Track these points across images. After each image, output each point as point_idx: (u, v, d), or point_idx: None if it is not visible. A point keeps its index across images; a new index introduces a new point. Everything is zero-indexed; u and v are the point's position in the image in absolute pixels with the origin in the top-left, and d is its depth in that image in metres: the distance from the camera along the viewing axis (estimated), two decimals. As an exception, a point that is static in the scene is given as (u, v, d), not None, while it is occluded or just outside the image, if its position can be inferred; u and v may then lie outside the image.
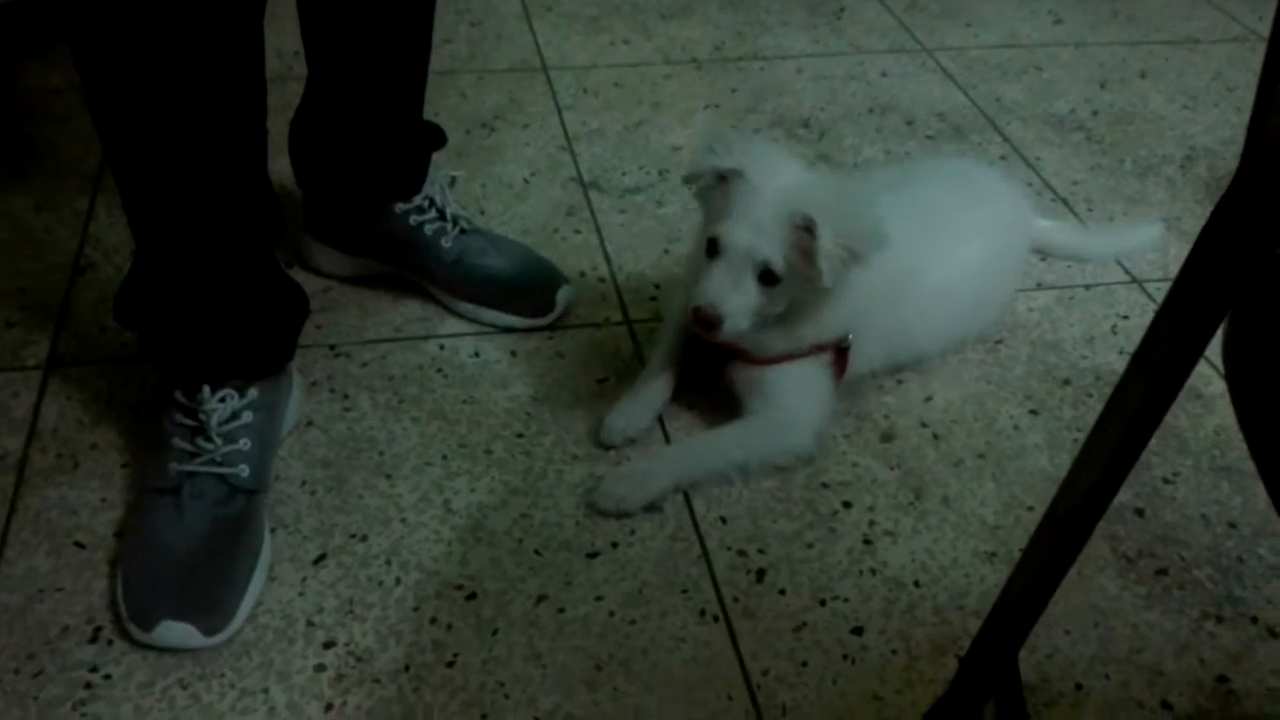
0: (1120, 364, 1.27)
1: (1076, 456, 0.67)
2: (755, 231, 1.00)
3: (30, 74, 1.66)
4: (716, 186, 1.04)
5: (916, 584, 1.01)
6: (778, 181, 1.02)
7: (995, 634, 0.79)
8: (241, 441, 0.99)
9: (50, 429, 1.11)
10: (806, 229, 0.98)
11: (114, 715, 0.87)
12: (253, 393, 1.02)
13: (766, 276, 1.01)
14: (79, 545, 1.00)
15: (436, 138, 1.27)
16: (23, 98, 1.61)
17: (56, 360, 1.19)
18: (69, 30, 0.86)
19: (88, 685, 0.89)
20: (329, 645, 0.93)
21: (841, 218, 0.99)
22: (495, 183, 1.51)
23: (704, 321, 1.01)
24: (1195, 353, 0.58)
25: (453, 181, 1.31)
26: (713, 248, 1.02)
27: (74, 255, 1.33)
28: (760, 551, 1.03)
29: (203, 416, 0.99)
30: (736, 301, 1.01)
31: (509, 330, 1.26)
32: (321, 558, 1.00)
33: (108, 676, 0.89)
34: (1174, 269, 1.41)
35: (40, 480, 1.05)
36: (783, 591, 1.00)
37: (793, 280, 1.02)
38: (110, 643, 0.92)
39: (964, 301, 1.22)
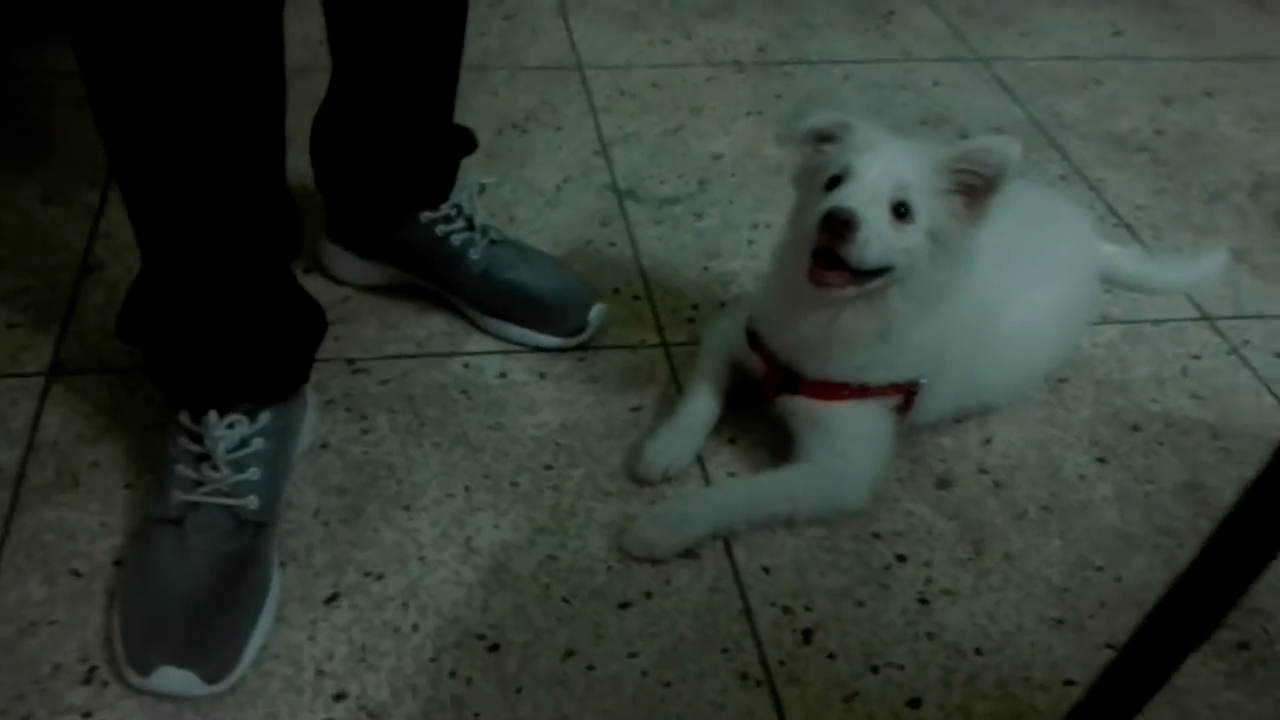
0: (1193, 409, 1.19)
1: (1192, 563, 0.58)
2: (890, 160, 0.92)
3: (43, 55, 1.59)
4: (816, 158, 0.97)
5: (978, 651, 0.93)
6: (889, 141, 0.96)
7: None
8: (251, 470, 0.92)
9: (50, 442, 1.04)
10: (956, 168, 0.92)
11: (105, 768, 0.80)
12: (264, 417, 0.94)
13: (900, 210, 0.92)
14: (75, 574, 0.93)
15: (467, 142, 1.19)
16: (35, 81, 1.54)
17: (59, 367, 1.12)
18: (65, 11, 0.78)
19: (78, 733, 0.82)
20: (339, 697, 0.86)
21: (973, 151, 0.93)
22: (526, 188, 1.44)
23: (838, 225, 0.89)
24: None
25: (482, 189, 1.23)
26: (835, 183, 0.93)
27: (82, 253, 1.26)
28: (807, 609, 0.95)
29: (209, 443, 0.91)
30: (874, 217, 0.91)
31: (538, 350, 1.19)
32: (334, 597, 0.93)
33: (100, 724, 0.82)
34: (1247, 305, 1.33)
35: (37, 498, 0.98)
36: (832, 656, 0.92)
37: (924, 226, 0.93)
38: (105, 684, 0.85)
39: (1039, 346, 1.13)
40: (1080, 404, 1.19)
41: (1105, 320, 1.30)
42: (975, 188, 0.93)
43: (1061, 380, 1.21)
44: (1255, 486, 0.53)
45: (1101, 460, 1.12)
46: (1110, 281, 1.33)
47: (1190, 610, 0.59)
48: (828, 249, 0.90)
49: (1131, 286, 1.34)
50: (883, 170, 0.92)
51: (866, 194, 0.91)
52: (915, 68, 1.80)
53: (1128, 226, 1.47)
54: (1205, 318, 1.32)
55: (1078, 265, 1.20)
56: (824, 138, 0.98)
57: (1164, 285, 1.34)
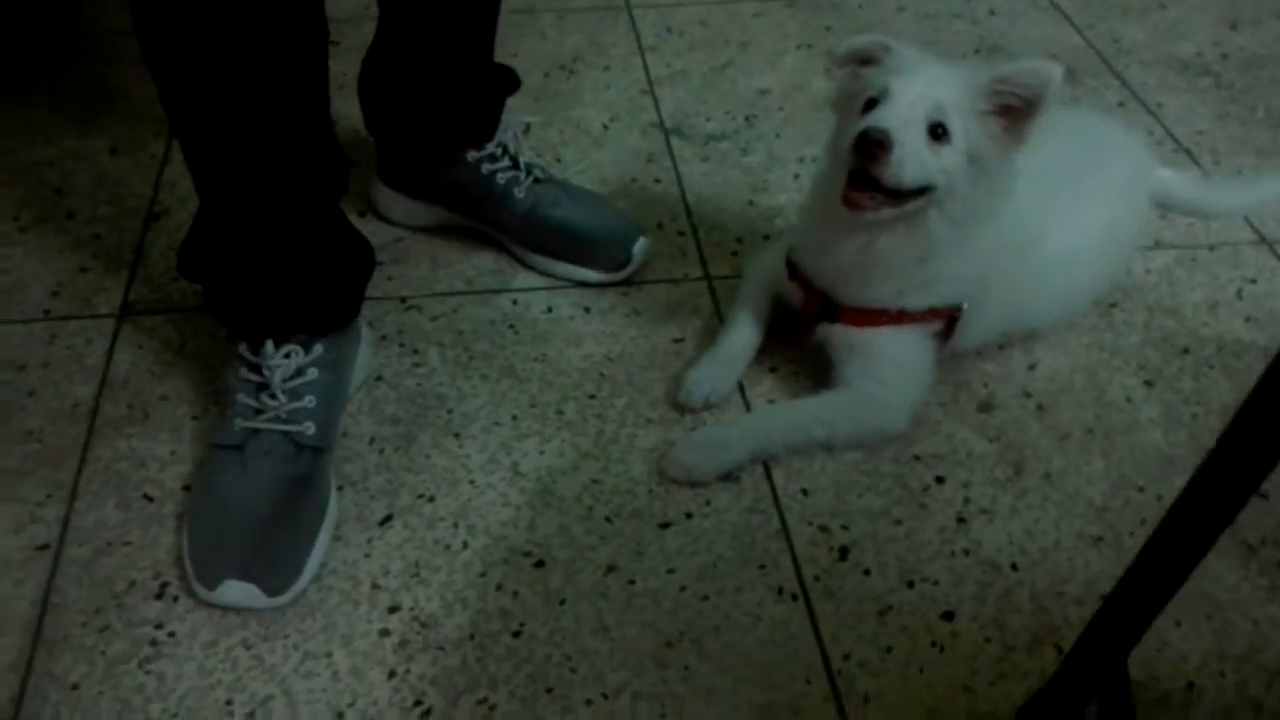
0: (1246, 332, 1.17)
1: (1220, 437, 0.59)
2: (928, 82, 0.92)
3: (108, 13, 1.64)
4: (854, 81, 0.97)
5: (1014, 567, 0.94)
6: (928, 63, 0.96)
7: (1105, 630, 0.73)
8: (306, 398, 0.96)
9: (121, 378, 1.10)
10: (995, 90, 0.91)
11: (178, 673, 0.85)
12: (318, 349, 0.99)
13: (936, 131, 0.92)
14: (147, 498, 0.98)
15: (510, 81, 1.21)
16: (100, 38, 1.60)
17: (128, 308, 1.18)
18: None
19: (153, 642, 0.87)
20: (394, 609, 0.90)
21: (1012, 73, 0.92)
22: (573, 128, 1.45)
23: (872, 145, 0.89)
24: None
25: (527, 128, 1.25)
26: (872, 105, 0.93)
27: (148, 201, 1.32)
28: (844, 528, 0.97)
29: (267, 372, 0.96)
30: (909, 137, 0.90)
31: (583, 285, 1.21)
32: (388, 518, 0.97)
33: (172, 634, 0.88)
34: (1311, 228, 1.30)
35: (111, 431, 1.04)
36: (867, 571, 0.94)
37: (961, 147, 0.92)
38: (176, 600, 0.91)
39: (1084, 272, 1.12)
40: (1130, 328, 1.17)
41: (1159, 245, 1.28)
42: (1015, 110, 0.93)
43: (1111, 305, 1.19)
44: (1262, 385, 0.54)
45: (1149, 383, 1.11)
46: (1166, 206, 1.31)
47: (1206, 505, 0.59)
48: (862, 170, 0.91)
49: (1188, 210, 1.31)
50: (920, 92, 0.92)
51: (902, 115, 0.91)
52: (971, -3, 1.76)
53: (1187, 151, 1.43)
54: (1263, 241, 1.29)
55: (1128, 190, 1.18)
56: (863, 60, 0.97)
57: (1222, 208, 1.31)
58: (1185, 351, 1.15)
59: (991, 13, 1.72)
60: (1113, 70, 1.59)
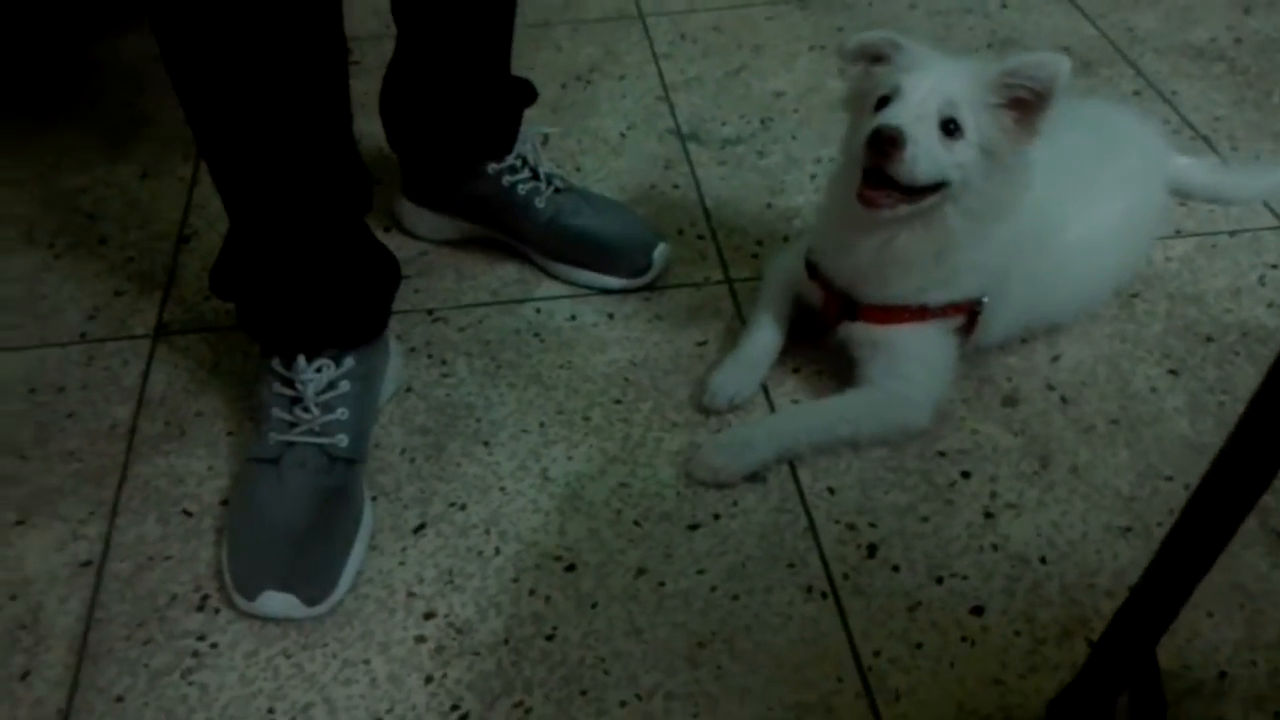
0: (1270, 318, 1.17)
1: (1239, 421, 0.59)
2: (939, 78, 0.93)
3: (133, 44, 1.68)
4: (866, 80, 0.98)
5: (1042, 560, 0.95)
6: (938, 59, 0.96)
7: (1133, 620, 0.73)
8: (339, 411, 0.98)
9: (158, 397, 1.12)
10: (1005, 83, 0.92)
11: (220, 684, 0.87)
12: (349, 362, 1.01)
13: (949, 126, 0.92)
14: (186, 513, 1.01)
15: (527, 94, 1.23)
16: (127, 67, 1.63)
17: (163, 328, 1.20)
18: (145, 4, 0.84)
19: (195, 654, 0.90)
20: (429, 616, 0.92)
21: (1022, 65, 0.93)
22: (591, 138, 1.47)
23: (885, 143, 0.90)
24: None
25: (545, 139, 1.27)
26: (884, 103, 0.94)
27: (179, 223, 1.34)
28: (871, 525, 0.98)
29: (300, 386, 0.98)
30: (921, 134, 0.91)
31: (605, 292, 1.23)
32: (421, 526, 0.99)
33: (214, 645, 0.90)
34: (1332, 212, 1.29)
35: (149, 449, 1.07)
36: (896, 568, 0.94)
37: (974, 141, 0.93)
38: (217, 611, 0.93)
39: (1103, 263, 1.13)
40: (1152, 318, 1.17)
41: (1179, 233, 1.28)
42: (1026, 103, 0.93)
43: (1133, 295, 1.19)
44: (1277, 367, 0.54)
45: (1173, 372, 1.11)
46: (1184, 194, 1.31)
47: (1229, 491, 0.60)
48: (877, 168, 0.92)
49: (1207, 197, 1.31)
50: (931, 88, 0.92)
51: (914, 111, 0.92)
52: (983, -8, 1.76)
53: (1204, 138, 1.43)
54: (1285, 226, 1.29)
55: (1145, 179, 1.18)
56: (874, 58, 0.98)
57: (1241, 194, 1.31)
58: (1209, 339, 1.15)
59: (1003, 6, 1.73)
60: (1127, 59, 1.59)
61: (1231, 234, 1.28)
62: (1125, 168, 1.14)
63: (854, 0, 1.75)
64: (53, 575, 0.95)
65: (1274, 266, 1.23)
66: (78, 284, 1.26)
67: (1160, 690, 0.80)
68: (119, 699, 0.87)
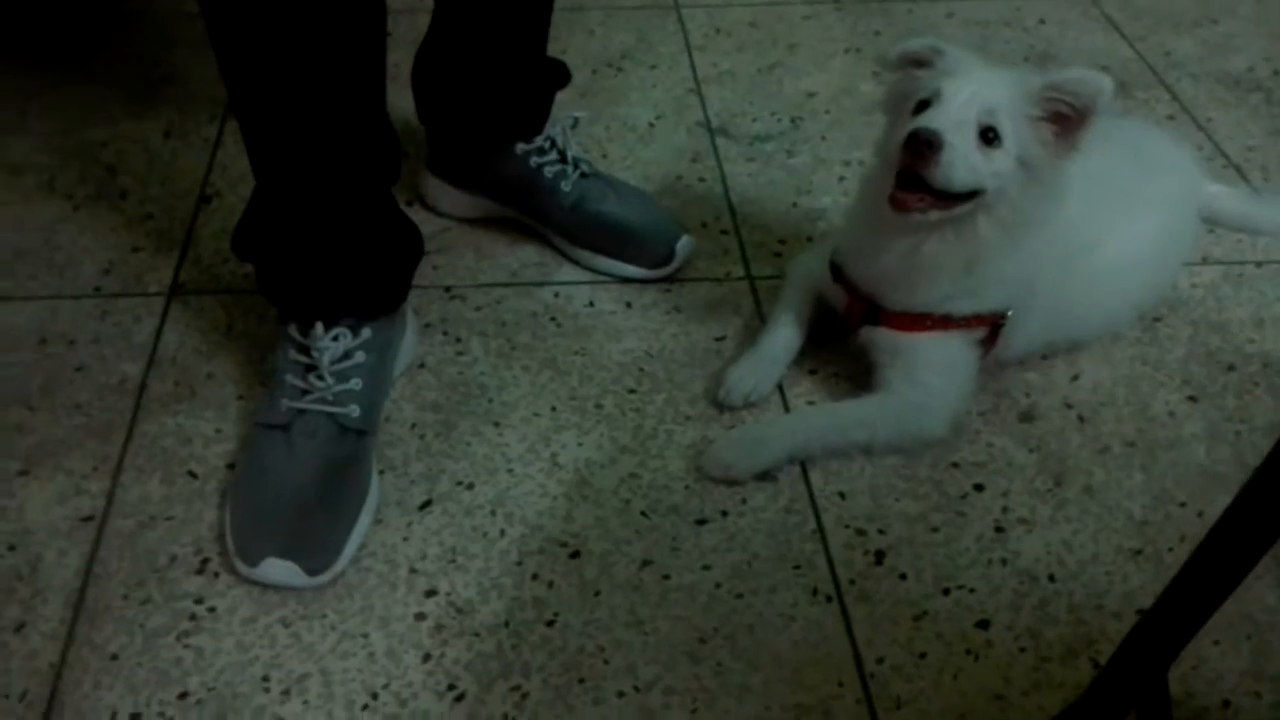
0: (1293, 351, 1.16)
1: (1269, 455, 0.58)
2: (980, 85, 0.92)
3: (166, -1, 1.67)
4: (907, 83, 0.97)
5: (1051, 578, 0.94)
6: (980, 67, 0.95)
7: (1147, 641, 0.72)
8: (353, 381, 0.98)
9: (170, 356, 1.11)
10: (1047, 96, 0.91)
11: (216, 648, 0.87)
12: (366, 332, 1.00)
13: (987, 135, 0.91)
14: (191, 475, 1.00)
15: (560, 76, 1.22)
16: (158, 22, 1.62)
17: (178, 288, 1.19)
18: None
19: (192, 617, 0.89)
20: (430, 594, 0.91)
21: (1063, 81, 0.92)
22: (620, 125, 1.46)
23: (921, 145, 0.89)
24: None
25: (575, 123, 1.26)
26: (923, 106, 0.93)
27: (200, 183, 1.33)
28: (880, 532, 0.97)
29: (315, 354, 0.97)
30: (959, 139, 0.90)
31: (625, 280, 1.22)
32: (427, 504, 0.98)
33: (212, 609, 0.89)
34: (1362, 248, 1.28)
35: (158, 407, 1.06)
36: (903, 576, 0.94)
37: (1012, 152, 0.92)
38: (216, 575, 0.92)
39: (1131, 284, 1.12)
40: (1175, 343, 1.16)
41: (1206, 261, 1.27)
42: (1066, 118, 0.92)
43: (1156, 319, 1.18)
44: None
45: (1192, 399, 1.10)
46: (1214, 222, 1.30)
47: (1251, 524, 0.59)
48: (911, 171, 0.91)
49: (1237, 227, 1.30)
50: (972, 94, 0.91)
51: (953, 117, 0.91)
52: (1022, 4, 1.75)
53: (1236, 167, 1.42)
54: (1314, 260, 1.28)
55: (1177, 203, 1.17)
56: (916, 62, 0.97)
57: (1271, 226, 1.30)
58: (1230, 368, 1.14)
59: (1041, 21, 1.71)
60: (1163, 83, 1.57)
61: (1259, 265, 1.27)
62: (1159, 191, 1.13)
63: (891, 6, 1.74)
64: (53, 528, 0.95)
65: (1300, 300, 1.22)
66: (95, 237, 1.25)
67: (1169, 714, 0.79)
68: (113, 657, 0.86)
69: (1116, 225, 1.08)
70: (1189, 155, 1.26)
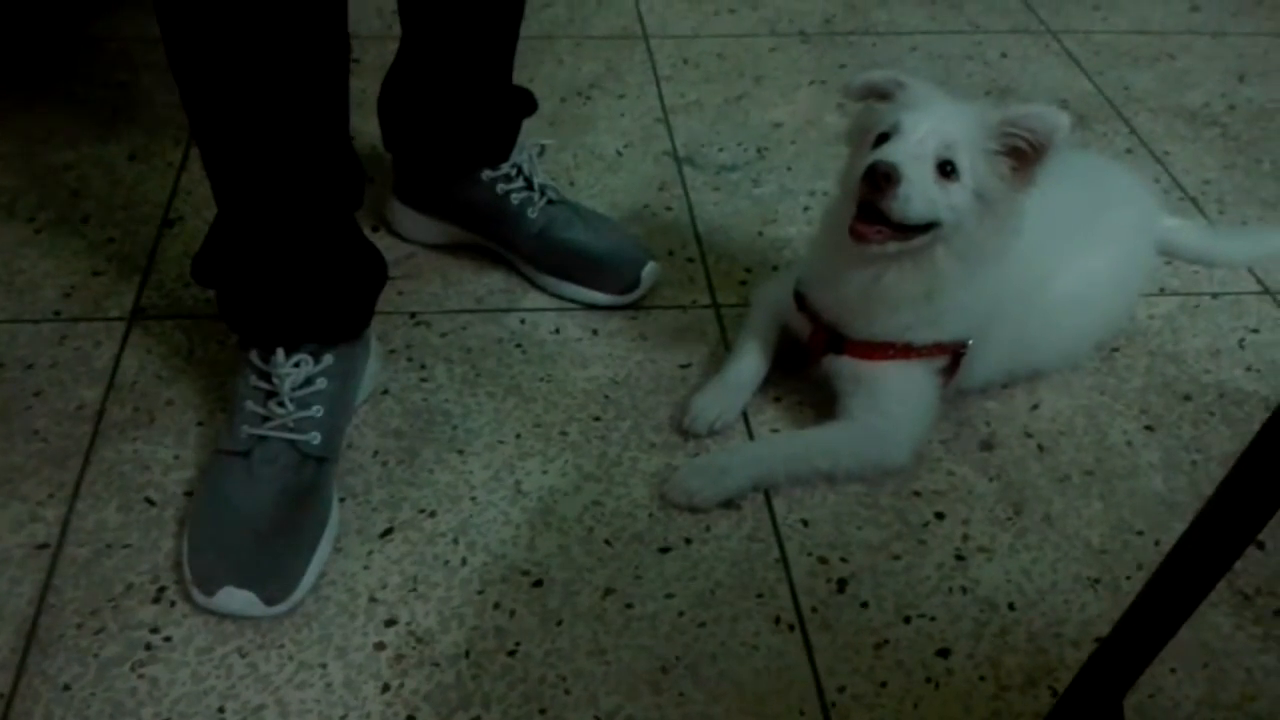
0: (1247, 381, 1.18)
1: (1220, 485, 0.59)
2: (939, 119, 0.93)
3: (130, 23, 1.66)
4: (868, 115, 0.98)
5: (1011, 607, 0.94)
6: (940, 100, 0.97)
7: (1101, 672, 0.73)
8: (314, 408, 0.97)
9: (129, 381, 1.10)
10: (1004, 131, 0.92)
11: (171, 679, 0.85)
12: (328, 358, 0.99)
13: (945, 168, 0.93)
14: (149, 502, 0.99)
15: (527, 103, 1.23)
16: (123, 46, 1.62)
17: (139, 312, 1.18)
18: None
19: (148, 646, 0.87)
20: (390, 623, 0.90)
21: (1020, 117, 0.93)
22: (587, 153, 1.47)
23: (879, 178, 0.90)
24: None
25: (542, 150, 1.27)
26: (883, 139, 0.94)
27: (164, 207, 1.33)
28: (843, 560, 0.97)
29: (276, 380, 0.97)
30: (916, 172, 0.92)
31: (591, 307, 1.22)
32: (388, 531, 0.98)
33: (168, 639, 0.88)
34: (1314, 281, 1.31)
35: (115, 433, 1.05)
36: (865, 605, 0.94)
37: (970, 185, 0.93)
38: (173, 604, 0.91)
39: (1089, 315, 1.13)
40: (1132, 373, 1.18)
41: (1163, 292, 1.29)
42: (1024, 153, 0.94)
43: (1114, 350, 1.20)
44: (1262, 436, 0.54)
45: (1150, 428, 1.12)
46: (1171, 254, 1.32)
47: (1204, 553, 0.59)
48: (870, 203, 0.92)
49: (1193, 259, 1.32)
50: (931, 128, 0.93)
51: (911, 150, 0.92)
52: (983, 39, 1.78)
53: (1193, 200, 1.44)
54: (1266, 291, 1.30)
55: (1134, 235, 1.19)
56: (878, 94, 0.99)
57: (1226, 258, 1.32)
58: (1186, 398, 1.15)
59: (1003, 55, 1.74)
60: (1122, 117, 1.61)
61: (1214, 296, 1.29)
62: (1116, 223, 1.15)
63: (857, 39, 1.76)
64: (6, 555, 0.93)
65: (1254, 330, 1.25)
66: (56, 261, 1.24)
67: (1124, 744, 0.79)
68: (66, 687, 0.84)
69: (1075, 257, 1.10)
70: (1146, 188, 1.29)
